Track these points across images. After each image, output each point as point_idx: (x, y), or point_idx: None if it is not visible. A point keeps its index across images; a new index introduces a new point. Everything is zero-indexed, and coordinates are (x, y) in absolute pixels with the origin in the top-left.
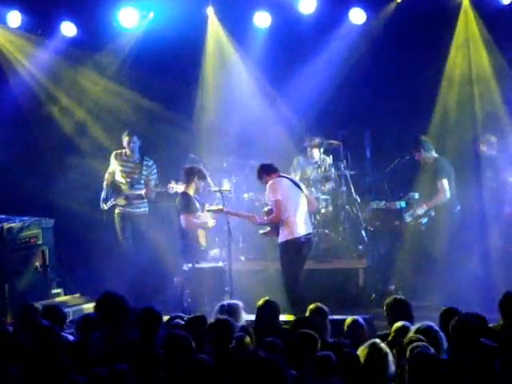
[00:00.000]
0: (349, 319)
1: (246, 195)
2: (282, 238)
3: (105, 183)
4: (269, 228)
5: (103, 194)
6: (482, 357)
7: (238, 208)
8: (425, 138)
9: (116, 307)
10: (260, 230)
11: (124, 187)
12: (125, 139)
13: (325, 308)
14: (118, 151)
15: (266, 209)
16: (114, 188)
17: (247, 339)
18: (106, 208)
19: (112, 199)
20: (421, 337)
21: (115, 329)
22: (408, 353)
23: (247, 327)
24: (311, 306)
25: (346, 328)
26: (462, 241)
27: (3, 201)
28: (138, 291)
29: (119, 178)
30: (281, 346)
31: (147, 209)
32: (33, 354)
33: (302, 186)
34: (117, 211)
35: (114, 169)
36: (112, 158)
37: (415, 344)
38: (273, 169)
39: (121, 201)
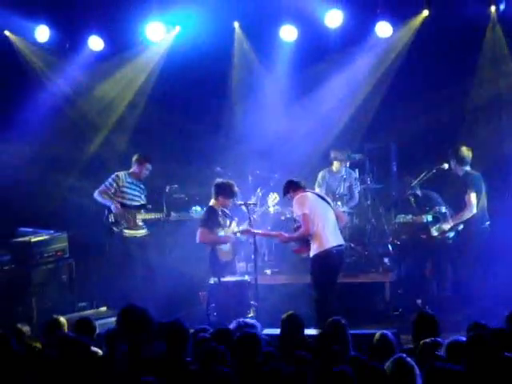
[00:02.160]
0: (377, 334)
1: (271, 209)
2: (312, 252)
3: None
4: (299, 245)
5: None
6: (502, 371)
7: (264, 221)
8: (463, 149)
9: (138, 320)
10: (292, 247)
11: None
12: (146, 165)
13: (342, 321)
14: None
15: (295, 226)
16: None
17: (274, 354)
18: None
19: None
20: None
21: (138, 342)
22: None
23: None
24: (329, 320)
25: (374, 342)
26: (491, 255)
27: (30, 214)
28: (163, 305)
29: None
30: (308, 359)
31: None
32: (60, 367)
33: (329, 201)
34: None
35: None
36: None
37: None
38: (298, 185)
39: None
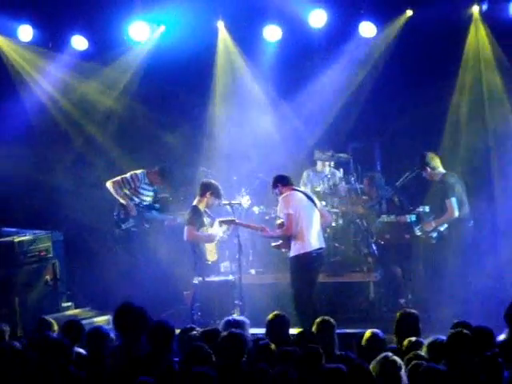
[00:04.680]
0: (367, 332)
1: (256, 208)
2: (292, 252)
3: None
4: (281, 241)
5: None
6: (483, 369)
7: (249, 221)
8: (429, 154)
9: (136, 318)
10: (272, 242)
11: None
12: (164, 182)
13: (331, 321)
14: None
15: (278, 221)
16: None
17: (260, 353)
18: None
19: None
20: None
21: (134, 340)
22: (412, 368)
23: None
24: (317, 320)
25: (364, 342)
26: (474, 254)
27: (14, 214)
28: (147, 304)
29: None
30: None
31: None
32: (40, 368)
33: (316, 200)
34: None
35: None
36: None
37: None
38: (288, 181)
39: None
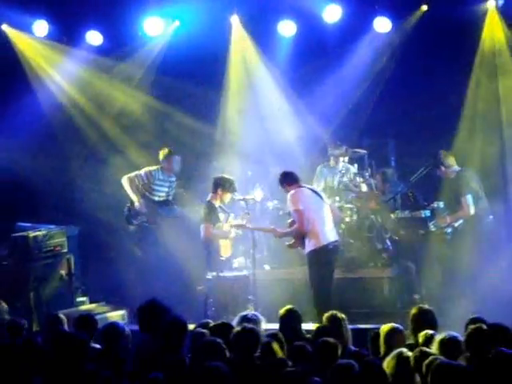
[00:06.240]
0: (387, 326)
1: (270, 204)
2: (309, 248)
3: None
4: (293, 240)
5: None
6: (500, 366)
7: (263, 216)
8: (443, 153)
9: (161, 315)
10: (286, 241)
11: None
12: (173, 158)
13: (339, 315)
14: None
15: (289, 220)
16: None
17: (273, 348)
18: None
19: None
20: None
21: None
22: (426, 365)
23: (277, 335)
24: (326, 314)
25: (382, 336)
26: (490, 250)
27: (29, 209)
28: (162, 300)
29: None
30: (309, 351)
31: None
32: (56, 362)
33: (324, 196)
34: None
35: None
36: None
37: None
38: (294, 179)
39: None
